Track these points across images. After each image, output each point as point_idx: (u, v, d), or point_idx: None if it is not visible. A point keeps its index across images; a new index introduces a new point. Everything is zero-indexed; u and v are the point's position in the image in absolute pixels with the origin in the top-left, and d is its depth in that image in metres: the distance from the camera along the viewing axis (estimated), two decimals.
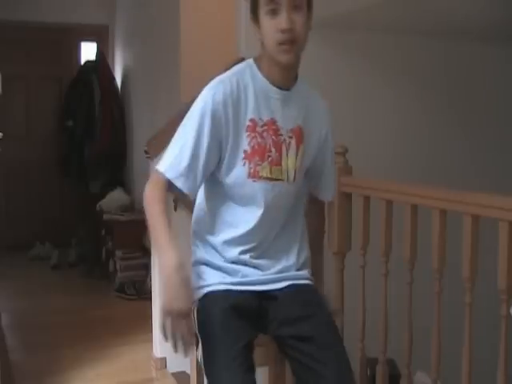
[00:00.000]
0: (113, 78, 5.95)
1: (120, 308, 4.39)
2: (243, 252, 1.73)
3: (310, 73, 3.67)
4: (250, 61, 1.73)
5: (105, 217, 5.07)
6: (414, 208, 2.27)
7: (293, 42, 1.60)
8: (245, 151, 1.68)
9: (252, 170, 1.68)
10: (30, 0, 5.84)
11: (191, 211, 1.85)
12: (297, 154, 1.73)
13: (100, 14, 6.24)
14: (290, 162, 1.72)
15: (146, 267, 4.41)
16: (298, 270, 1.81)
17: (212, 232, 1.75)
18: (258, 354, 1.72)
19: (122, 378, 3.18)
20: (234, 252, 1.72)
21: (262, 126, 1.68)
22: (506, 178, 3.92)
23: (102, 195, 5.40)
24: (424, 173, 3.64)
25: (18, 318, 4.22)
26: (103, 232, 5.17)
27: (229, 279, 1.71)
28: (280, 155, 1.70)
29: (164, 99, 4.56)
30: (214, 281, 1.71)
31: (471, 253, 2.01)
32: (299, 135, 1.73)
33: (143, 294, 4.40)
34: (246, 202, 1.71)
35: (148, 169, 3.26)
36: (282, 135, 1.70)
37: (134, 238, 4.74)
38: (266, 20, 1.61)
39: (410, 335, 2.32)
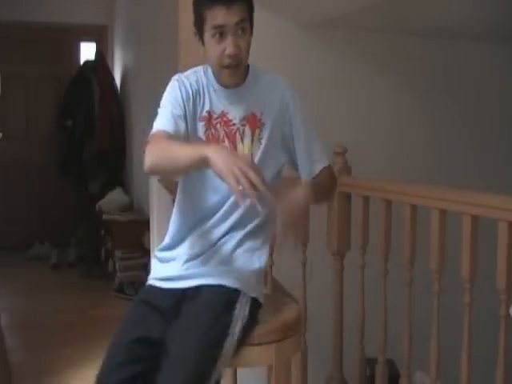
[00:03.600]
0: (112, 78, 5.94)
1: (119, 308, 4.37)
2: None
3: (309, 73, 3.69)
4: (207, 65, 1.81)
5: (104, 217, 5.06)
6: (414, 208, 2.27)
7: (237, 66, 1.70)
8: (200, 139, 1.76)
9: None
10: (29, 0, 5.84)
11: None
12: (252, 139, 1.78)
13: (99, 14, 6.23)
14: (245, 147, 1.78)
15: (146, 267, 4.41)
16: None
17: None
18: (258, 353, 1.72)
19: None
20: None
21: (215, 119, 1.78)
22: (506, 178, 3.93)
23: (102, 195, 5.40)
24: (424, 173, 3.64)
25: (18, 317, 4.21)
26: (102, 232, 5.16)
27: None
28: (234, 144, 1.77)
29: None
30: None
31: (471, 253, 2.01)
32: (253, 121, 1.79)
33: None
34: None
35: None
36: (234, 125, 1.78)
37: (134, 238, 4.73)
38: (211, 43, 1.69)
39: (409, 335, 2.32)
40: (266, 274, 2.61)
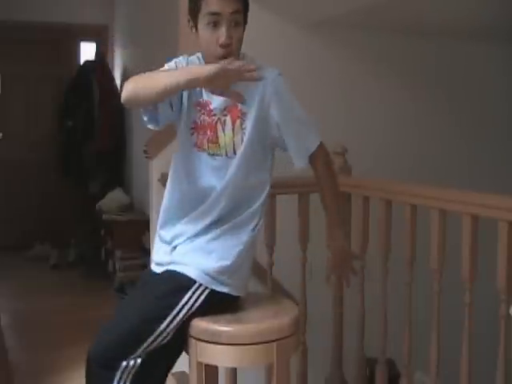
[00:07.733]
0: (112, 78, 5.95)
1: None
2: None
3: (309, 72, 3.68)
4: (199, 54, 1.84)
5: (104, 217, 5.06)
6: (414, 208, 2.27)
7: (228, 57, 1.68)
8: (194, 122, 1.81)
9: (199, 142, 1.81)
10: (29, 0, 5.84)
11: None
12: (233, 129, 1.80)
13: (100, 14, 6.24)
14: (226, 137, 1.79)
15: (146, 267, 4.40)
16: None
17: None
18: (257, 353, 1.72)
19: None
20: None
21: (202, 107, 1.81)
22: (506, 178, 3.92)
23: (102, 195, 5.40)
24: (423, 173, 3.64)
25: (18, 317, 4.21)
26: (102, 232, 5.16)
27: None
28: (216, 133, 1.80)
29: None
30: None
31: (471, 253, 2.01)
32: (234, 111, 1.79)
33: None
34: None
35: (147, 169, 3.26)
36: (215, 115, 1.80)
37: (134, 238, 4.73)
38: (205, 32, 1.71)
39: (409, 335, 2.32)
40: (265, 273, 2.62)
